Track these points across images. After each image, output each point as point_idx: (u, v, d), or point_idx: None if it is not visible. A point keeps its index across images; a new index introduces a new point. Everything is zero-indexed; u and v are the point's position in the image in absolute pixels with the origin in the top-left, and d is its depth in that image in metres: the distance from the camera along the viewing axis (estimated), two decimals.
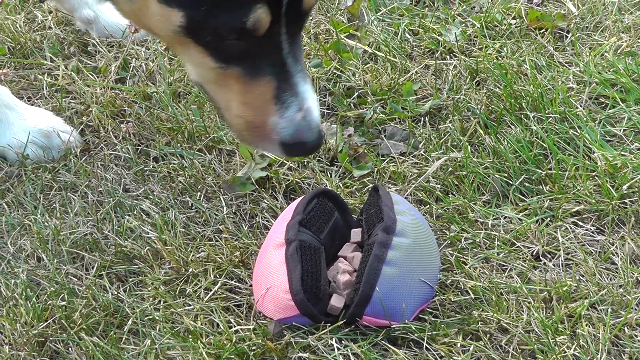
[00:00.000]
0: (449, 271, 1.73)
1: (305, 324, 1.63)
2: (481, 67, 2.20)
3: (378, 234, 1.63)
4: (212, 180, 1.97)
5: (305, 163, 2.00)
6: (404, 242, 1.63)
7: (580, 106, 2.06)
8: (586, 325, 1.61)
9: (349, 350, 1.58)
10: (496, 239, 1.78)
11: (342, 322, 1.60)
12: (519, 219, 1.82)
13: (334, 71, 2.23)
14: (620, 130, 1.99)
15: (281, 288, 1.60)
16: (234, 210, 1.91)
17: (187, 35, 1.49)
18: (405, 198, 1.89)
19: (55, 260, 1.79)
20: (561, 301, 1.66)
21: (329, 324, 1.61)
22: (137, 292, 1.74)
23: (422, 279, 1.63)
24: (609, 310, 1.64)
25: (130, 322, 1.66)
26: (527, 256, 1.76)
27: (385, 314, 1.59)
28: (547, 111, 2.02)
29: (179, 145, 2.07)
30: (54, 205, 1.94)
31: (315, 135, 1.55)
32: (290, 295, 1.59)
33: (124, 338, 1.65)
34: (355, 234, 1.72)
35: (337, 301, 1.62)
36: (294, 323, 1.62)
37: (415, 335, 1.60)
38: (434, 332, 1.61)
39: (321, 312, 1.62)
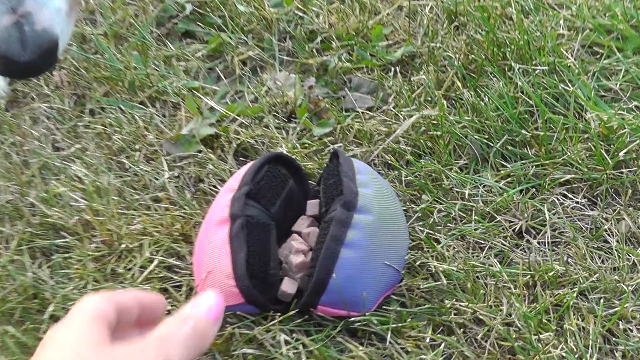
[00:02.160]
0: (419, 250, 1.50)
1: (253, 312, 1.40)
2: (460, 9, 1.95)
3: (336, 210, 1.40)
4: (154, 138, 1.73)
5: (260, 119, 1.76)
6: (366, 220, 1.41)
7: (572, 56, 1.82)
8: (575, 318, 1.39)
9: (301, 345, 1.37)
10: (473, 212, 1.56)
11: (293, 312, 1.38)
12: (500, 188, 1.59)
13: (296, 12, 1.98)
14: (616, 84, 1.75)
15: (223, 272, 1.37)
16: (176, 174, 1.67)
17: None
18: (372, 161, 1.66)
19: None
20: (546, 287, 1.45)
21: (279, 314, 1.39)
22: (61, 271, 1.51)
23: (387, 262, 1.41)
24: (601, 299, 1.42)
25: (51, 307, 1.44)
26: (508, 232, 1.53)
27: (343, 303, 1.37)
28: (534, 62, 1.78)
29: (118, 96, 1.83)
30: None
31: (29, 56, 1.10)
32: (234, 281, 1.35)
33: (43, 327, 1.42)
34: (312, 207, 1.49)
35: (288, 286, 1.40)
36: (239, 312, 1.40)
37: (378, 327, 1.38)
38: (400, 324, 1.39)
39: (270, 299, 1.39)
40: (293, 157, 1.54)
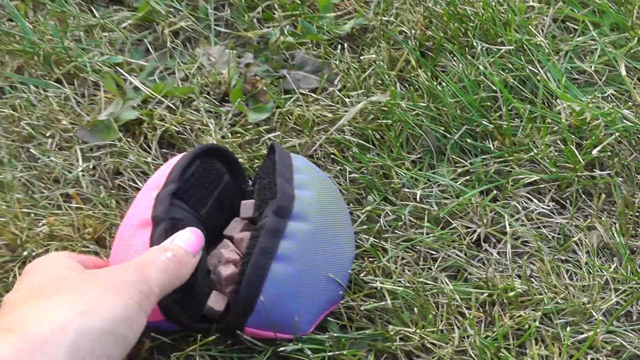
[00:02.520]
0: (363, 260, 1.32)
1: (174, 331, 1.21)
2: None
3: (268, 217, 1.21)
4: (69, 123, 1.53)
5: (189, 101, 1.56)
6: (303, 228, 1.21)
7: (542, 33, 1.62)
8: (537, 347, 1.21)
9: None
10: (426, 216, 1.37)
11: (213, 337, 1.19)
12: (457, 188, 1.40)
13: None
14: (590, 66, 1.56)
15: None
16: (92, 166, 1.47)
17: None
18: (313, 154, 1.46)
19: None
20: (506, 307, 1.26)
21: (201, 335, 1.20)
22: None
23: (328, 276, 1.22)
24: (568, 324, 1.24)
25: None
26: (464, 241, 1.35)
27: (272, 326, 1.18)
28: (499, 40, 1.57)
29: (32, 72, 1.62)
30: None
31: None
32: None
33: None
34: (246, 208, 1.29)
35: (216, 302, 1.20)
36: (161, 329, 1.21)
37: (313, 355, 1.20)
38: (337, 352, 1.20)
39: (196, 316, 1.19)
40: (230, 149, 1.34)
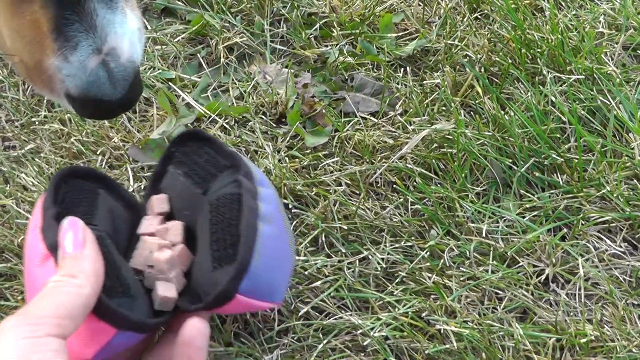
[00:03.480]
0: (427, 297, 1.26)
1: (132, 344, 1.07)
2: None
3: (240, 181, 1.12)
4: (120, 141, 1.48)
5: (244, 121, 1.50)
6: (270, 193, 1.14)
7: (612, 60, 1.55)
8: None
9: None
10: (491, 252, 1.31)
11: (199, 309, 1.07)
12: (524, 224, 1.34)
13: None
14: None
15: None
16: (142, 186, 1.42)
17: None
18: (375, 182, 1.40)
19: None
20: (575, 353, 1.21)
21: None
22: (5, 303, 1.27)
23: (290, 245, 1.16)
24: None
25: None
26: (532, 280, 1.29)
27: (261, 293, 1.08)
28: (568, 67, 1.51)
29: None
30: None
31: (120, 92, 1.00)
32: (93, 314, 1.02)
33: None
34: (159, 202, 1.17)
35: (166, 289, 1.08)
36: (117, 349, 1.06)
37: None
38: None
39: (146, 313, 1.08)
40: (91, 167, 1.24)
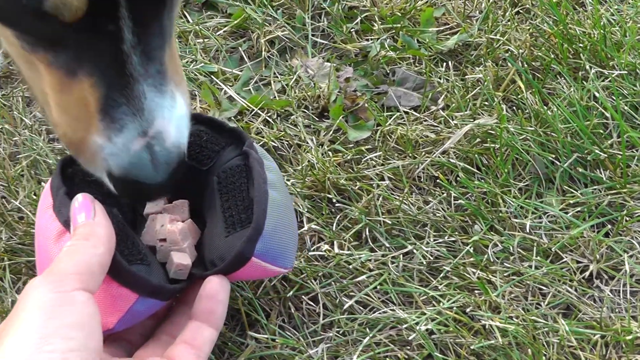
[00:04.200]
0: (472, 292, 1.26)
1: (151, 311, 1.11)
2: None
3: (246, 152, 1.16)
4: None
5: (285, 115, 1.51)
6: (273, 165, 1.20)
7: None
8: None
9: None
10: (534, 248, 1.31)
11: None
12: (567, 220, 1.34)
13: None
14: None
15: None
16: None
17: None
18: (418, 175, 1.41)
19: None
20: (621, 351, 1.21)
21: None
22: None
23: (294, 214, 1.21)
24: None
25: None
26: (575, 276, 1.29)
27: (271, 256, 1.13)
28: (611, 62, 1.51)
29: None
30: None
31: (162, 176, 1.00)
32: (115, 281, 1.07)
33: None
34: None
35: (182, 258, 1.12)
36: (139, 314, 1.10)
37: None
38: None
39: (163, 279, 1.11)
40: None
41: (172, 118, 1.00)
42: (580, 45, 1.52)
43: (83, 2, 0.89)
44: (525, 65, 1.52)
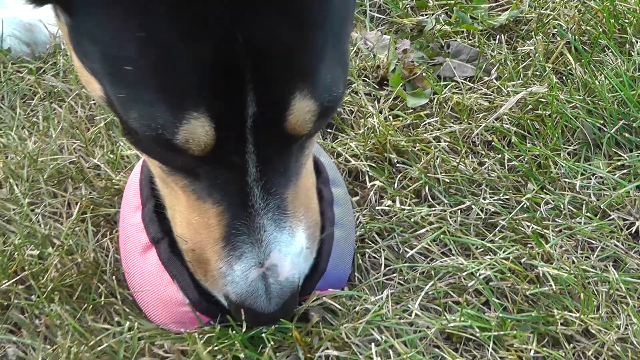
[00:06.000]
0: (525, 245, 1.35)
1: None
2: None
3: (322, 192, 1.26)
4: None
5: (348, 83, 1.60)
6: (342, 193, 1.30)
7: None
8: None
9: (392, 351, 1.22)
10: (583, 206, 1.40)
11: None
12: (614, 181, 1.43)
13: None
14: None
15: (174, 301, 1.22)
16: None
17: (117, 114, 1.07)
18: (472, 140, 1.50)
19: (29, 197, 1.43)
20: None
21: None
22: None
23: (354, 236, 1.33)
24: None
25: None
26: (622, 233, 1.38)
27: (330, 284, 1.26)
28: None
29: None
30: (36, 118, 1.57)
31: (274, 308, 1.12)
32: (190, 307, 1.20)
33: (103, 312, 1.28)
34: None
35: None
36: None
37: (478, 334, 1.24)
38: (502, 332, 1.24)
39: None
40: None
41: (287, 254, 1.10)
42: (626, 20, 1.61)
43: (211, 139, 0.99)
44: (577, 41, 1.61)
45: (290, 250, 1.11)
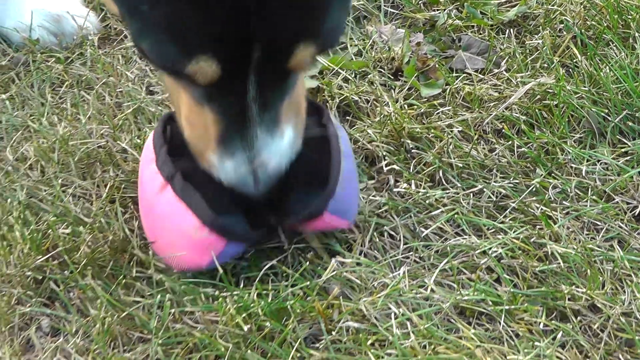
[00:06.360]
0: (534, 226, 1.43)
1: (243, 253, 1.37)
2: None
3: (326, 125, 1.37)
4: None
5: (364, 74, 1.68)
6: (344, 135, 1.40)
7: None
8: None
9: (409, 323, 1.29)
10: (589, 190, 1.48)
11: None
12: (618, 167, 1.50)
13: None
14: None
15: (192, 227, 1.29)
16: None
17: None
18: (483, 128, 1.58)
19: (60, 179, 1.50)
20: None
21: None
22: None
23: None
24: None
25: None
26: (625, 215, 1.45)
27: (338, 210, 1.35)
28: None
29: None
30: (65, 105, 1.64)
31: (260, 191, 1.26)
32: (206, 228, 1.29)
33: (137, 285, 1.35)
34: None
35: None
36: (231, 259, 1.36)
37: (490, 307, 1.31)
38: (512, 307, 1.32)
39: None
40: None
41: (277, 152, 1.23)
42: (630, 16, 1.69)
43: (217, 74, 1.12)
44: (582, 35, 1.69)
45: (279, 148, 1.23)
